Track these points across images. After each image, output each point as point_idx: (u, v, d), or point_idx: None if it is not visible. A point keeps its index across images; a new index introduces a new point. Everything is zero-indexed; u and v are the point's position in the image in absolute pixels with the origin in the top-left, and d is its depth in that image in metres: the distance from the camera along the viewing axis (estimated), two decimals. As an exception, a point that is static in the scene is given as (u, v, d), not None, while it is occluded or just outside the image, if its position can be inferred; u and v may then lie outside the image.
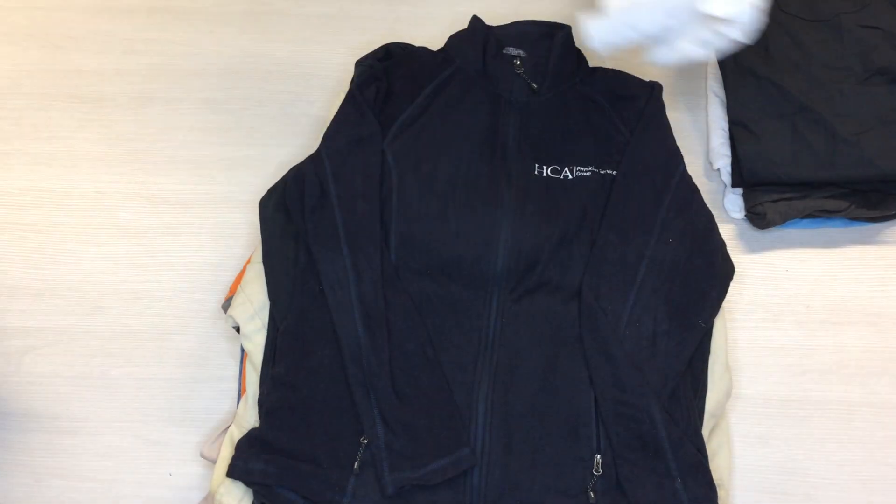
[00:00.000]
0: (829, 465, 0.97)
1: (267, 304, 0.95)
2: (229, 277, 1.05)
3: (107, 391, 1.01)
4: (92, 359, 1.02)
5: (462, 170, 0.96)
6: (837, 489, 0.96)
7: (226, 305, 0.99)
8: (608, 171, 0.97)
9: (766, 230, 1.07)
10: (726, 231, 1.05)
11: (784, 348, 1.02)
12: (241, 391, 0.96)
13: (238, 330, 0.96)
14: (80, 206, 1.10)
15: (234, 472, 0.86)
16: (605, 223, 0.93)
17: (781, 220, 1.03)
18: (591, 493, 0.84)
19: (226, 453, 0.89)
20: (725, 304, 0.95)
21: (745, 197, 1.05)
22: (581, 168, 0.97)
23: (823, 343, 1.02)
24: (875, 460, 0.97)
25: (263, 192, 1.00)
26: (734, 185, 1.05)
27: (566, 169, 0.97)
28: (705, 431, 0.90)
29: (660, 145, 0.99)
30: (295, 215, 0.95)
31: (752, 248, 1.06)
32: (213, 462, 0.92)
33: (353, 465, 0.84)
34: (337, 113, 1.00)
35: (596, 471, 0.85)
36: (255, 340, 0.94)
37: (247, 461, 0.85)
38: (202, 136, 1.13)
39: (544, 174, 0.96)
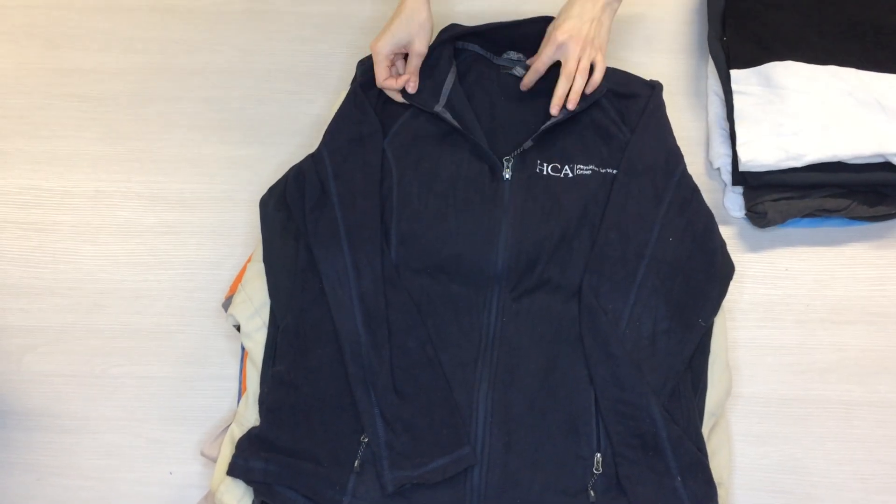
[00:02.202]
0: (829, 463, 0.97)
1: (267, 302, 0.95)
2: (229, 276, 1.05)
3: (107, 390, 1.01)
4: (92, 357, 1.02)
5: (462, 168, 0.95)
6: (837, 487, 0.96)
7: (226, 304, 0.99)
8: (609, 171, 0.97)
9: (767, 229, 1.07)
10: (726, 230, 1.05)
11: (784, 347, 1.02)
12: (241, 390, 0.96)
13: (238, 328, 0.96)
14: (80, 205, 1.10)
15: (234, 470, 0.86)
16: (606, 222, 0.93)
17: (782, 218, 1.03)
18: (592, 492, 0.84)
19: (226, 452, 0.89)
20: (725, 303, 0.96)
21: (746, 196, 1.05)
22: (582, 166, 0.97)
23: (823, 342, 1.02)
24: (874, 459, 0.97)
25: (263, 191, 1.00)
26: (734, 183, 1.05)
27: (567, 167, 0.97)
28: (705, 430, 0.90)
29: (660, 144, 0.99)
30: (295, 214, 0.95)
31: (753, 247, 1.06)
32: (214, 460, 0.92)
33: (354, 463, 0.84)
34: (338, 111, 1.00)
35: (596, 469, 0.85)
36: (256, 339, 0.94)
37: (247, 460, 0.85)
38: (202, 135, 1.13)
39: (545, 172, 0.96)
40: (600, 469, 0.85)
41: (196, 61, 1.18)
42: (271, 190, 0.99)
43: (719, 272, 0.94)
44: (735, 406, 0.99)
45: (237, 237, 1.07)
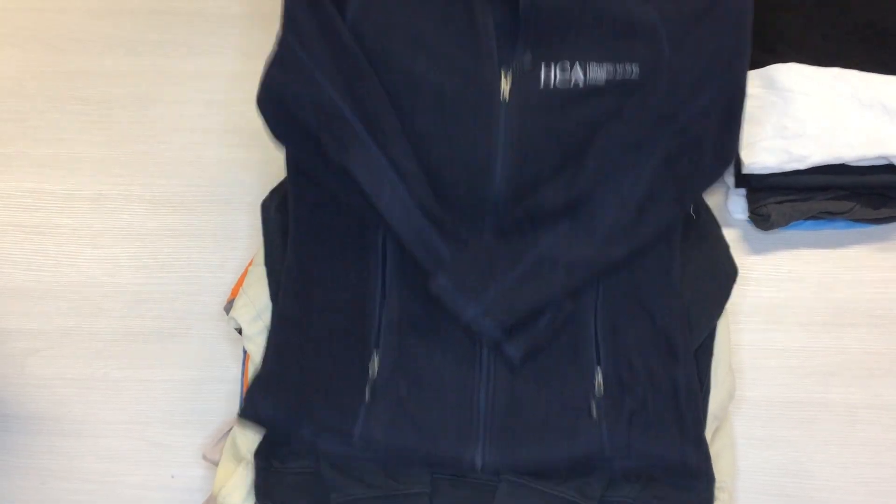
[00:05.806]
0: (833, 467, 0.97)
1: (269, 305, 0.95)
2: (231, 279, 1.05)
3: (109, 393, 1.01)
4: (94, 361, 1.02)
5: (453, 77, 0.86)
6: (841, 491, 0.96)
7: (228, 307, 0.99)
8: (627, 65, 0.86)
9: (770, 231, 1.06)
10: (730, 232, 1.05)
11: (787, 350, 1.01)
12: (243, 393, 0.96)
13: (240, 332, 0.96)
14: (82, 209, 1.10)
15: (246, 412, 0.86)
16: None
17: (785, 221, 1.02)
18: (594, 409, 0.84)
19: (228, 456, 0.89)
20: (728, 306, 0.95)
21: (749, 198, 1.05)
22: (595, 65, 0.86)
23: (826, 345, 1.02)
24: (878, 462, 0.97)
25: (265, 194, 1.00)
26: (737, 186, 1.05)
27: (577, 65, 0.85)
28: (708, 433, 0.90)
29: None
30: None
31: (756, 250, 1.06)
32: (216, 464, 0.92)
33: (364, 392, 0.84)
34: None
35: (598, 393, 0.85)
36: (258, 342, 0.94)
37: (257, 404, 0.86)
38: (204, 138, 1.13)
39: (552, 83, 0.85)
40: (602, 392, 0.85)
41: (198, 64, 1.18)
42: (273, 193, 0.99)
43: (724, 272, 0.94)
44: (738, 409, 0.99)
45: (239, 240, 1.07)
